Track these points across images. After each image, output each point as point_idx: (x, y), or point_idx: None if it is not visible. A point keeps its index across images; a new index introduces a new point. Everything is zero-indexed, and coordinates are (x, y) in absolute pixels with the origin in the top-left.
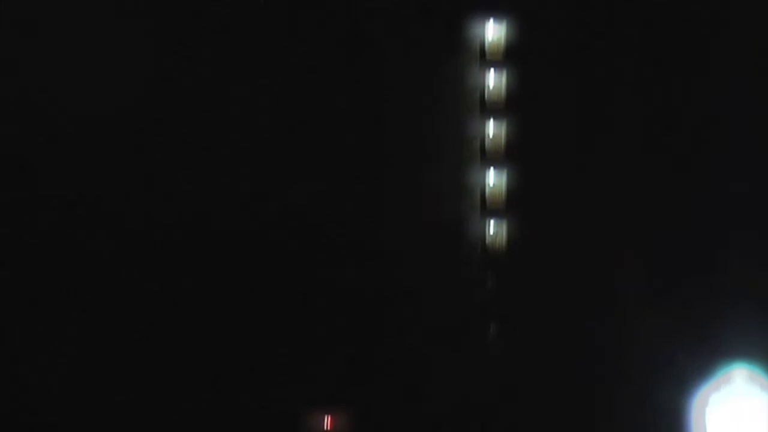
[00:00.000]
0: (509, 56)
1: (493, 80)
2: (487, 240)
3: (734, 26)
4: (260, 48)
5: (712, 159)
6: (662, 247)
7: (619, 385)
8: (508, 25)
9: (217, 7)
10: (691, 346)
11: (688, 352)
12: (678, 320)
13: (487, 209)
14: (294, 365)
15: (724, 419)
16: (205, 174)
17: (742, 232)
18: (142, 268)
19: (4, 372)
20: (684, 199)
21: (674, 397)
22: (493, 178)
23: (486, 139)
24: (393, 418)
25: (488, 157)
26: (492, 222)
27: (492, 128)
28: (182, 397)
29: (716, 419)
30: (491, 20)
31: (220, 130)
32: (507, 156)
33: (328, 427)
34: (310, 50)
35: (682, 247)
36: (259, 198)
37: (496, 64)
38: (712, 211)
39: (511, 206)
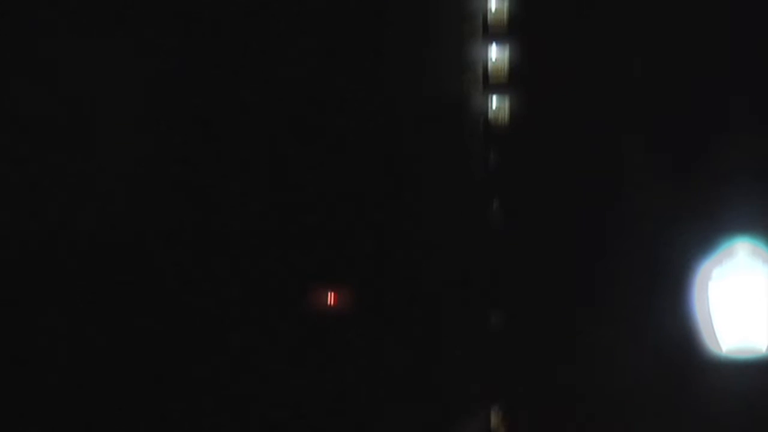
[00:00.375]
0: None
1: None
2: (490, 115)
3: None
4: None
5: (714, 36)
6: (664, 121)
7: (621, 262)
8: None
9: None
10: (693, 220)
11: (690, 226)
12: (680, 194)
13: (490, 84)
14: (297, 242)
15: (726, 293)
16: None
17: (743, 104)
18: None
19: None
20: (686, 72)
21: (676, 271)
22: (496, 53)
23: (488, 14)
24: (395, 294)
25: (490, 32)
26: (494, 97)
27: (494, 2)
28: (188, 268)
29: (718, 293)
30: None
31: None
32: (509, 31)
33: (332, 303)
34: None
35: (684, 121)
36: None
37: None
38: (713, 84)
39: (513, 81)
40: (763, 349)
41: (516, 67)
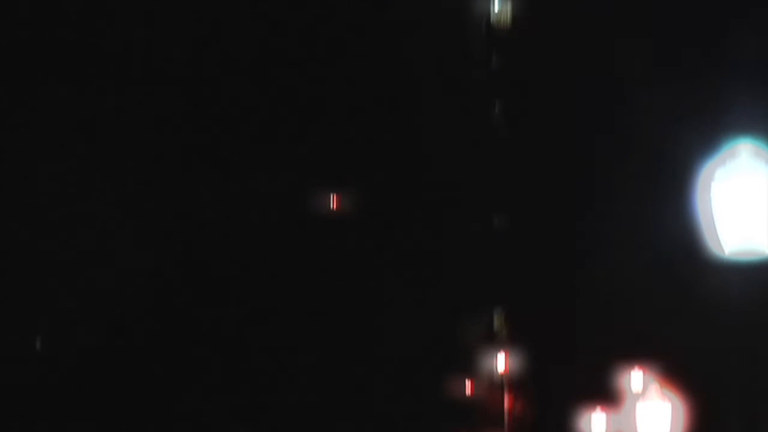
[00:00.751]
0: None
1: None
2: (492, 18)
3: None
4: None
5: None
6: (667, 23)
7: (624, 163)
8: None
9: None
10: (695, 121)
11: (693, 127)
12: (683, 95)
13: None
14: (300, 148)
15: (728, 194)
16: None
17: (745, 6)
18: None
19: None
20: None
21: (679, 172)
22: None
23: None
24: (398, 197)
25: None
26: (497, 1)
27: None
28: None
29: (721, 194)
30: None
31: None
32: None
33: (335, 206)
34: None
35: (686, 23)
36: None
37: None
38: None
39: None
40: (765, 251)
41: None
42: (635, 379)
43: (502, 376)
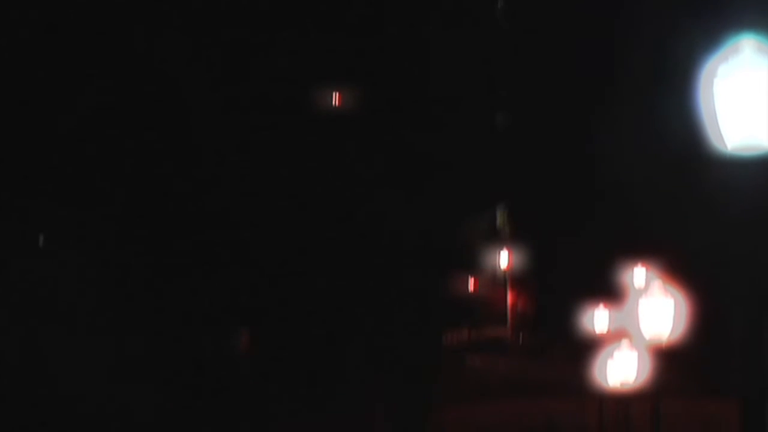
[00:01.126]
0: None
1: None
2: None
3: None
4: None
5: None
6: None
7: (628, 60)
8: None
9: None
10: (698, 17)
11: (696, 23)
12: None
13: None
14: (302, 45)
15: (731, 90)
16: None
17: None
18: None
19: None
20: None
21: (682, 69)
22: None
23: None
24: (398, 93)
25: None
26: None
27: None
28: None
29: (724, 90)
30: None
31: None
32: None
33: (337, 103)
34: None
35: None
36: None
37: None
38: None
39: None
40: (767, 146)
41: None
42: (638, 275)
43: (504, 273)
